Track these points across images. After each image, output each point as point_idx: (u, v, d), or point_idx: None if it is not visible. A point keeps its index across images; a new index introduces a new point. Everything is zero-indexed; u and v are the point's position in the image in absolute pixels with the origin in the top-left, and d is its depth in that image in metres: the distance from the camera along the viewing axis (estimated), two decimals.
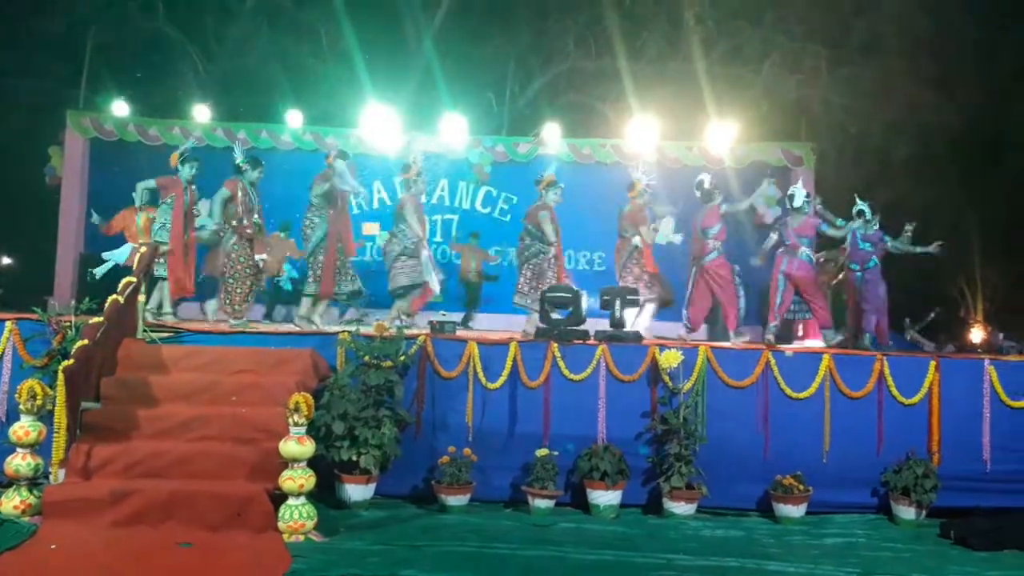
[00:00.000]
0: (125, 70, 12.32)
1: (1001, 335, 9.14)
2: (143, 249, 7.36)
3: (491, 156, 11.98)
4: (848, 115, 12.23)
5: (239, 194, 8.10)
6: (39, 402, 5.72)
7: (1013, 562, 5.86)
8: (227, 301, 8.06)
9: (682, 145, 11.80)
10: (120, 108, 11.75)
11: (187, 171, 8.55)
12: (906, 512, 6.82)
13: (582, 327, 7.69)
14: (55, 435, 5.60)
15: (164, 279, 8.40)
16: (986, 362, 7.37)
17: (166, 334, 7.23)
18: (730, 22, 12.58)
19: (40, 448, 5.73)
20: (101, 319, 6.28)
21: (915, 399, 7.20)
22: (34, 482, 5.66)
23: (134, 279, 6.87)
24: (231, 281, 8.08)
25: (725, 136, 11.04)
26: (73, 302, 7.33)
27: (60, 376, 5.62)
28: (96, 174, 11.85)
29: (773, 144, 12.06)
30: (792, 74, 12.35)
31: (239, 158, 8.33)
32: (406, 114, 11.37)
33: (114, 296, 6.55)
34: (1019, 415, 7.21)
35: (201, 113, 11.77)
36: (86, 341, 5.95)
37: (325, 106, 12.40)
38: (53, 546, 5.07)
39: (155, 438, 5.97)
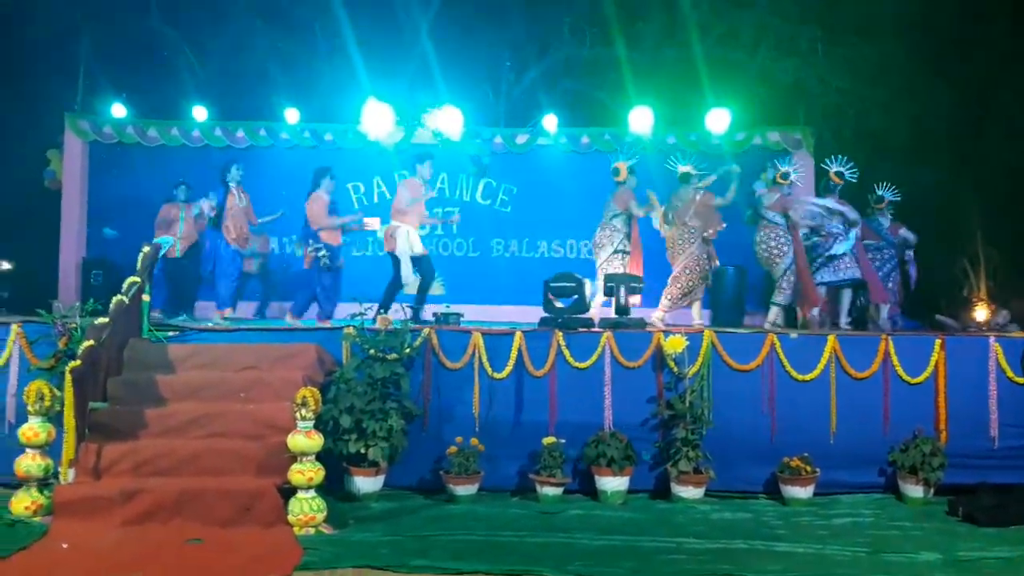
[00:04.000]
0: (121, 72, 12.27)
1: (1004, 312, 9.14)
2: (146, 249, 7.34)
3: (489, 147, 11.98)
4: (845, 97, 12.18)
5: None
6: (47, 403, 5.75)
7: (1020, 538, 5.87)
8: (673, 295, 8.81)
9: (681, 132, 11.79)
10: (118, 110, 11.75)
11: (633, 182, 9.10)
12: (914, 491, 6.84)
13: (586, 315, 7.70)
14: (64, 435, 5.64)
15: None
16: (991, 339, 7.38)
17: (171, 333, 7.24)
18: (724, 6, 12.53)
19: (50, 449, 5.77)
20: (106, 320, 6.30)
21: (921, 378, 7.22)
22: (44, 482, 5.69)
23: (138, 279, 6.88)
24: (695, 283, 8.85)
25: (723, 121, 11.01)
26: (78, 304, 7.34)
27: (67, 377, 5.67)
28: (96, 177, 11.87)
29: (772, 128, 12.06)
30: (788, 57, 12.30)
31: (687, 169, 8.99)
32: (404, 107, 11.34)
33: (119, 296, 6.57)
34: None
35: (199, 113, 11.77)
36: (92, 342, 5.97)
37: (322, 102, 12.37)
38: (64, 545, 5.11)
39: (163, 436, 6.00)
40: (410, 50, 12.48)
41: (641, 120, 10.88)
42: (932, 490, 6.83)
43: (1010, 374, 7.23)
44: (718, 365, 7.15)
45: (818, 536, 5.82)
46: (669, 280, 8.89)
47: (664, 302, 8.85)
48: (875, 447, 7.09)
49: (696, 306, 8.99)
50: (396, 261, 8.58)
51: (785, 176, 8.79)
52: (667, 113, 11.49)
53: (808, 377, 7.18)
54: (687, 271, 8.79)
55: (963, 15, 11.72)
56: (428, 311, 8.63)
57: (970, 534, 5.96)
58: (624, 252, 8.81)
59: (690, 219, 8.77)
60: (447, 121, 10.64)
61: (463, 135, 11.39)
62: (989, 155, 11.97)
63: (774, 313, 8.67)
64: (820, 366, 7.20)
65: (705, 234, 8.82)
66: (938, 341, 7.31)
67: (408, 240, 8.59)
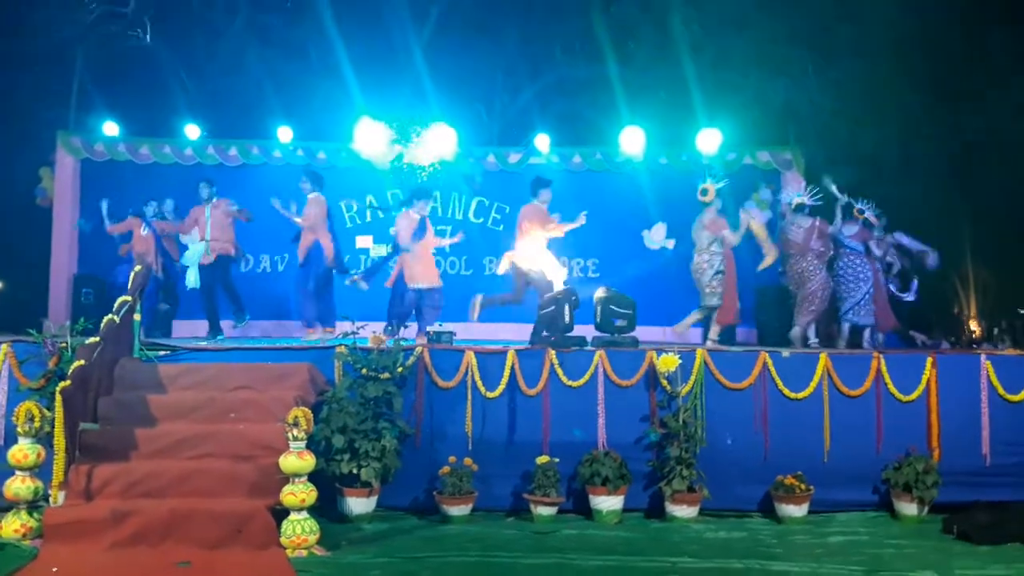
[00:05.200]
0: (114, 89, 12.32)
1: (996, 330, 9.22)
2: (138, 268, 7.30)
3: (482, 166, 12.03)
4: (836, 118, 12.29)
5: None
6: (37, 424, 5.67)
7: (1016, 555, 5.86)
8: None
9: (673, 152, 11.85)
10: (110, 128, 11.75)
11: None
12: (908, 508, 6.83)
13: (577, 334, 7.70)
14: (54, 457, 5.57)
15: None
16: (982, 357, 7.40)
17: (163, 352, 7.20)
18: (717, 27, 12.66)
19: (40, 471, 5.68)
20: (97, 339, 6.26)
21: (913, 396, 7.22)
22: (34, 505, 5.61)
23: (129, 298, 6.84)
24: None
25: (714, 142, 11.09)
26: (68, 323, 7.29)
27: (57, 397, 5.59)
28: (88, 194, 11.84)
29: (762, 149, 12.13)
30: (780, 78, 12.41)
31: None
32: (397, 126, 11.39)
33: (110, 316, 6.52)
34: (1017, 409, 7.24)
35: (192, 131, 11.78)
36: (82, 361, 5.92)
37: (315, 121, 12.42)
38: (54, 569, 5.03)
39: (154, 457, 5.94)
40: (404, 70, 12.56)
41: (633, 140, 10.97)
42: (926, 508, 6.82)
43: (1002, 392, 7.25)
44: (711, 383, 7.14)
45: (814, 554, 5.80)
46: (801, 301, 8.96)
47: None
48: (868, 465, 7.08)
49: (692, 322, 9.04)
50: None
51: (862, 211, 9.17)
52: (658, 133, 11.58)
53: (801, 395, 7.18)
54: (818, 295, 8.91)
55: (957, 35, 11.87)
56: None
57: (965, 552, 5.94)
58: (722, 272, 8.88)
59: (813, 245, 8.91)
60: (440, 140, 10.69)
61: (456, 154, 11.44)
62: (980, 174, 12.09)
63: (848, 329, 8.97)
64: (812, 384, 7.20)
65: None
66: (929, 359, 7.33)
67: None
